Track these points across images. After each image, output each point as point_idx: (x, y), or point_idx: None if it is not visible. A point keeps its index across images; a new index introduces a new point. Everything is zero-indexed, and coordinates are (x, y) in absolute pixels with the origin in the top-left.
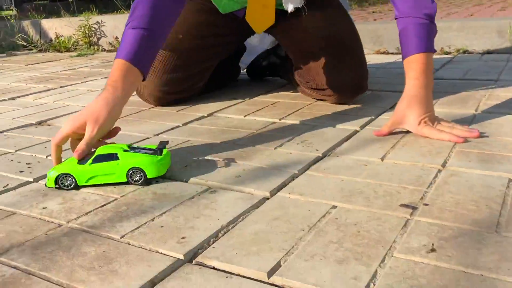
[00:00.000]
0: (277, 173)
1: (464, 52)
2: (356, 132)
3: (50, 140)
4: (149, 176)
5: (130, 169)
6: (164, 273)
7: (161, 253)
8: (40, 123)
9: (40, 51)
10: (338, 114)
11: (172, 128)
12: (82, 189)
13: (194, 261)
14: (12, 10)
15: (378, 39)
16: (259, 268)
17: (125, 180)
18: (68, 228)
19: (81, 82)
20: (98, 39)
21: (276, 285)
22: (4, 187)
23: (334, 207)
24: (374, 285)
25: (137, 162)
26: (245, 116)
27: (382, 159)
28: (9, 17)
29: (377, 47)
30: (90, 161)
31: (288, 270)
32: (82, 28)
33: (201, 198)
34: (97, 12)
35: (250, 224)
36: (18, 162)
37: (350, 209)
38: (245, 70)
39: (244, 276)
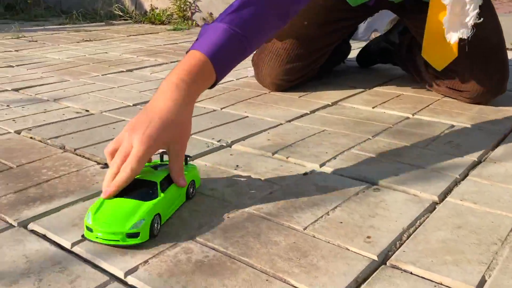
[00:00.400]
0: (437, 175)
1: None
2: (505, 136)
3: None
4: (197, 186)
5: (188, 185)
6: (364, 273)
7: (352, 251)
8: None
9: (135, 22)
10: (475, 114)
11: (302, 116)
12: (238, 172)
13: (388, 263)
14: None
15: None
16: (465, 281)
17: (184, 199)
18: (246, 213)
19: None
20: (192, 13)
21: None
22: None
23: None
24: None
25: (192, 175)
26: (373, 107)
27: None
28: None
29: None
30: (159, 190)
31: (496, 286)
32: (178, 2)
33: (366, 195)
34: None
35: (433, 230)
36: None
37: None
38: (355, 58)
39: (449, 287)
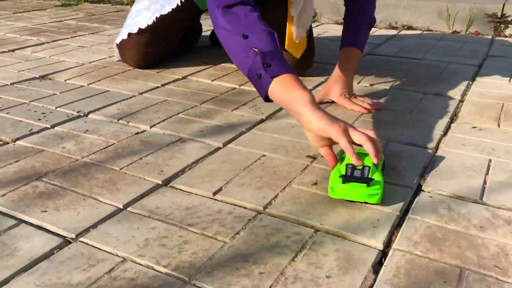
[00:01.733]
0: (230, 130)
1: (408, 28)
2: None
3: (55, 94)
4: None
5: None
6: (149, 191)
7: (147, 179)
8: (43, 77)
9: None
10: None
11: (153, 89)
12: (87, 135)
13: (168, 185)
14: None
15: (338, 10)
16: (208, 190)
17: None
18: (83, 162)
19: (71, 37)
20: None
21: (217, 200)
22: (29, 131)
23: (264, 155)
24: (274, 201)
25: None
26: (212, 80)
27: None
28: None
29: (336, 18)
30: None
31: (226, 192)
32: None
33: (174, 145)
34: None
35: (206, 164)
36: (34, 111)
37: (274, 157)
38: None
39: (197, 194)
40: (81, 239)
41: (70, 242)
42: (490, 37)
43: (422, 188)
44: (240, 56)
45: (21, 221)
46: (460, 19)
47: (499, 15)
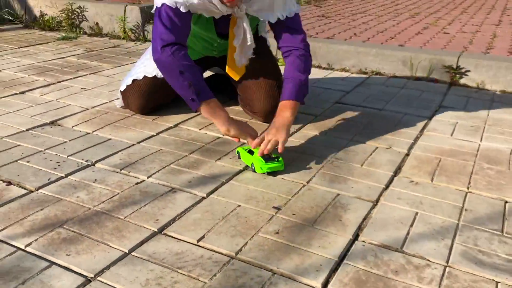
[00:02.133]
0: (213, 180)
1: (377, 74)
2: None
3: (65, 141)
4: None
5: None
6: (147, 238)
7: (146, 227)
8: (52, 122)
9: (25, 27)
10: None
11: (149, 137)
12: (96, 184)
13: (162, 233)
14: None
15: (314, 55)
16: (193, 237)
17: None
18: (95, 210)
19: (73, 78)
20: (80, 22)
21: (200, 246)
22: (48, 179)
23: (239, 205)
24: (244, 248)
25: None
26: (200, 129)
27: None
28: None
29: (313, 61)
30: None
31: (207, 239)
32: (66, 11)
33: (167, 195)
34: None
35: (193, 213)
36: (50, 160)
37: (246, 207)
38: None
39: (185, 241)
40: (98, 278)
41: (90, 281)
42: (447, 85)
43: (359, 237)
44: (177, 85)
45: (52, 263)
46: (422, 67)
47: (455, 67)
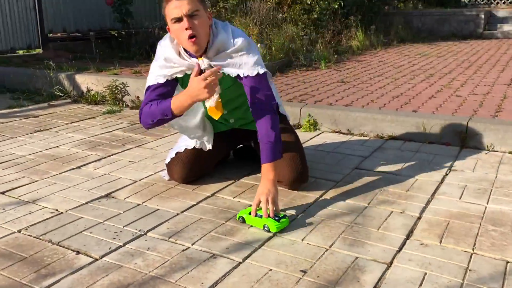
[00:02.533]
0: (247, 246)
1: (393, 138)
2: (295, 217)
3: (120, 213)
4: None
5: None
6: None
7: None
8: (107, 195)
9: (74, 101)
10: (289, 199)
11: (191, 207)
12: (149, 252)
13: None
14: (39, 49)
15: (335, 121)
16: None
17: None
18: (150, 276)
19: (121, 151)
20: (123, 96)
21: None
22: (109, 248)
23: (270, 269)
24: None
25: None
26: (234, 197)
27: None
28: (48, 70)
29: (333, 127)
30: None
31: None
32: (110, 87)
33: (209, 261)
34: (119, 67)
35: (231, 278)
36: (109, 231)
37: (277, 271)
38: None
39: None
40: None
41: None
42: (458, 148)
43: None
44: (160, 122)
45: None
46: (434, 131)
47: (465, 131)
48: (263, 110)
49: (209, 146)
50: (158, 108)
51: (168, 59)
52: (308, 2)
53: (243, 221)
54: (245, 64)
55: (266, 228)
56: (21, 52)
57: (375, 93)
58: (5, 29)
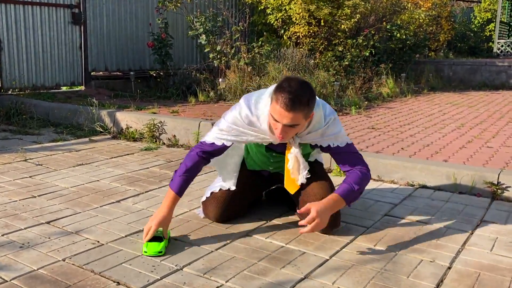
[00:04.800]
0: (279, 287)
1: (423, 187)
2: (326, 260)
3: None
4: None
5: None
6: None
7: None
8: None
9: (113, 137)
10: (320, 242)
11: (224, 245)
12: (185, 287)
13: None
14: (82, 86)
15: None
16: None
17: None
18: None
19: (158, 188)
20: (160, 134)
21: None
22: (147, 281)
23: None
24: None
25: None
26: (266, 238)
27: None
28: (90, 107)
29: None
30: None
31: None
32: (149, 126)
33: None
34: (157, 106)
35: None
36: (147, 264)
37: None
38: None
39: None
40: None
41: None
42: (489, 199)
43: None
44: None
45: None
46: (465, 182)
47: (496, 182)
48: (361, 168)
49: (233, 187)
50: (174, 181)
51: (254, 125)
52: (340, 49)
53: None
54: (330, 137)
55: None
56: (64, 88)
57: (405, 141)
58: (53, 66)
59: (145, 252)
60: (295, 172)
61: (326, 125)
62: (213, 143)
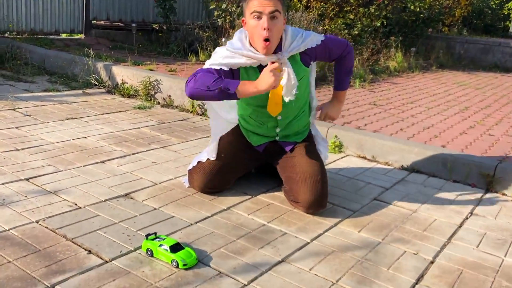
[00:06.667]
0: (254, 269)
1: (417, 171)
2: (307, 243)
3: (136, 216)
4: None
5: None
6: None
7: None
8: (126, 195)
9: (108, 92)
10: (304, 223)
11: (205, 218)
12: (158, 261)
13: None
14: (81, 35)
15: (361, 146)
16: None
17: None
18: (155, 286)
19: (146, 150)
20: (155, 93)
21: None
22: (120, 252)
23: None
24: None
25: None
26: (248, 214)
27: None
28: (87, 58)
29: (359, 152)
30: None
31: None
32: (144, 83)
33: (215, 279)
34: (155, 63)
35: None
36: (122, 233)
37: None
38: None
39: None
40: None
41: None
42: (483, 190)
43: None
44: (214, 97)
45: None
46: (460, 171)
47: (492, 174)
48: (344, 52)
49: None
50: (225, 81)
51: (240, 48)
52: (351, 17)
53: (152, 254)
54: (306, 41)
55: (174, 263)
56: (64, 35)
57: (405, 121)
58: (52, 11)
59: (185, 265)
60: (288, 89)
61: (301, 33)
62: (210, 69)
